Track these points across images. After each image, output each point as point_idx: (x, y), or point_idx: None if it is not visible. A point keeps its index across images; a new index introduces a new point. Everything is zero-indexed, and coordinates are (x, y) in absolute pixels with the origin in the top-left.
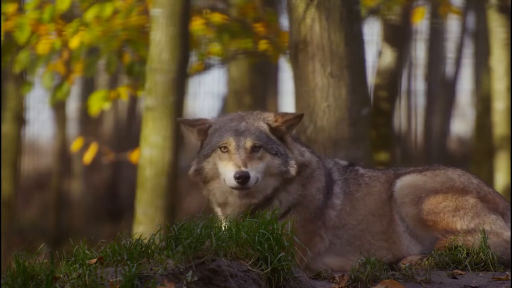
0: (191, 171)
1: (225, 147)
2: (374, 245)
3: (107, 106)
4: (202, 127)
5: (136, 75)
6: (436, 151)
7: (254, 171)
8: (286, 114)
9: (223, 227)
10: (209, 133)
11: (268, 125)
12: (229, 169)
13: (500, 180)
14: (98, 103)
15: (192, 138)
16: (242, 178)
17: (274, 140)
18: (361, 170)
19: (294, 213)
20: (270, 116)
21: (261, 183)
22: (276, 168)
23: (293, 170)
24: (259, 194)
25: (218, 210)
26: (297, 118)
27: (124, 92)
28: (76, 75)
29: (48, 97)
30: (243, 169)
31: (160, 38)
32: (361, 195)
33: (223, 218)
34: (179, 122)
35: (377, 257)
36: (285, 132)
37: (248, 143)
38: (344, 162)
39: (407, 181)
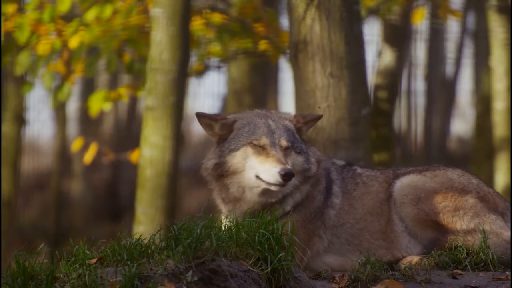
0: (210, 164)
1: (258, 144)
2: (373, 244)
3: (107, 106)
4: (226, 122)
5: (136, 73)
6: (436, 151)
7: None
8: (306, 115)
9: (226, 224)
10: (235, 128)
11: (294, 125)
12: (271, 165)
13: (500, 180)
14: (98, 104)
15: (209, 132)
16: (288, 176)
17: (298, 139)
18: (359, 170)
19: (295, 212)
20: (290, 116)
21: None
22: (299, 166)
23: (314, 168)
24: (279, 192)
25: (224, 207)
26: (317, 119)
27: (124, 93)
28: (76, 75)
29: (49, 99)
30: (288, 167)
31: (161, 38)
32: (359, 194)
33: (229, 215)
34: (198, 116)
35: (376, 256)
36: (305, 132)
37: (283, 142)
38: (341, 162)
39: (406, 182)
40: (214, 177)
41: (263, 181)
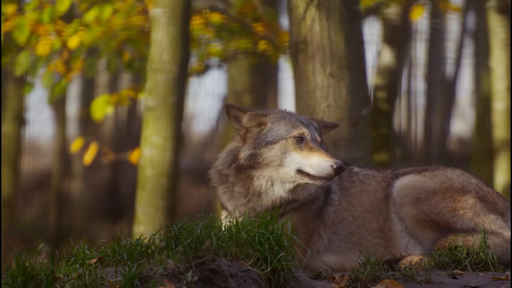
0: (245, 155)
1: (301, 137)
2: (371, 241)
3: (109, 110)
4: (256, 113)
5: (136, 70)
6: (436, 151)
7: None
8: (326, 121)
9: (230, 221)
10: (270, 122)
11: (320, 126)
12: (322, 158)
13: (500, 180)
14: (101, 108)
15: (235, 126)
16: (341, 169)
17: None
18: (355, 169)
19: (296, 211)
20: (316, 120)
21: None
22: None
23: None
24: (304, 191)
25: (232, 203)
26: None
27: (125, 96)
28: (74, 74)
29: (47, 96)
30: (339, 160)
31: (161, 38)
32: (356, 191)
33: (237, 209)
34: (227, 107)
35: (375, 255)
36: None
37: (318, 138)
38: None
39: (406, 182)
40: (238, 169)
41: (309, 175)
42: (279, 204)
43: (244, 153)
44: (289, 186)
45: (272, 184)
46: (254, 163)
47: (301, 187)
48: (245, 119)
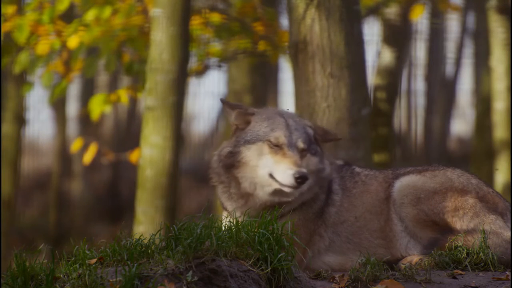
0: (225, 152)
1: (276, 142)
2: (373, 242)
3: (107, 109)
4: (241, 111)
5: (135, 74)
6: (436, 151)
7: (308, 172)
8: (328, 132)
9: (230, 221)
10: (254, 121)
11: (315, 131)
12: (286, 166)
13: (500, 180)
14: (99, 107)
15: (229, 119)
16: (302, 179)
17: (314, 143)
18: (357, 169)
19: (297, 211)
20: (310, 123)
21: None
22: (314, 167)
23: (328, 169)
24: (295, 192)
25: (231, 204)
26: (335, 139)
27: (124, 95)
28: (74, 74)
29: (47, 96)
30: (303, 170)
31: (161, 38)
32: (358, 192)
33: (235, 211)
34: (221, 102)
35: (376, 256)
36: (318, 143)
37: (300, 143)
38: (339, 161)
39: (406, 182)
40: (225, 168)
41: (276, 181)
42: (270, 206)
43: (224, 150)
44: (268, 189)
45: (255, 188)
46: (234, 161)
47: (285, 191)
48: (233, 116)
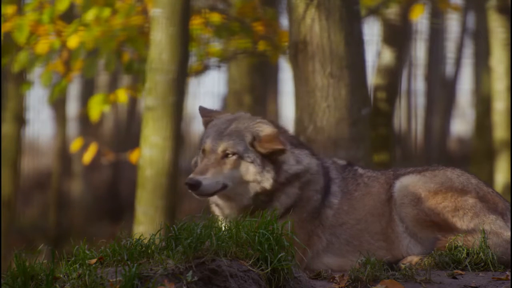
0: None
1: (204, 149)
2: (373, 245)
3: (107, 109)
4: (205, 120)
5: (135, 73)
6: (436, 151)
7: (217, 178)
8: (272, 142)
9: (222, 227)
10: (207, 128)
11: (254, 138)
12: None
13: (500, 180)
14: (98, 107)
15: None
16: (189, 185)
17: (253, 150)
18: (360, 170)
19: (291, 213)
20: (262, 131)
21: (237, 188)
22: (251, 176)
23: (267, 183)
24: (239, 197)
25: (216, 209)
26: (279, 151)
27: (123, 95)
28: (74, 73)
29: (47, 96)
30: (197, 177)
31: (161, 38)
32: (360, 195)
33: (219, 217)
34: (198, 109)
35: (376, 257)
36: (260, 151)
37: (221, 147)
38: (342, 162)
39: (406, 182)
40: None
41: None
42: (244, 209)
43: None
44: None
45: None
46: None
47: (237, 196)
48: (202, 123)
